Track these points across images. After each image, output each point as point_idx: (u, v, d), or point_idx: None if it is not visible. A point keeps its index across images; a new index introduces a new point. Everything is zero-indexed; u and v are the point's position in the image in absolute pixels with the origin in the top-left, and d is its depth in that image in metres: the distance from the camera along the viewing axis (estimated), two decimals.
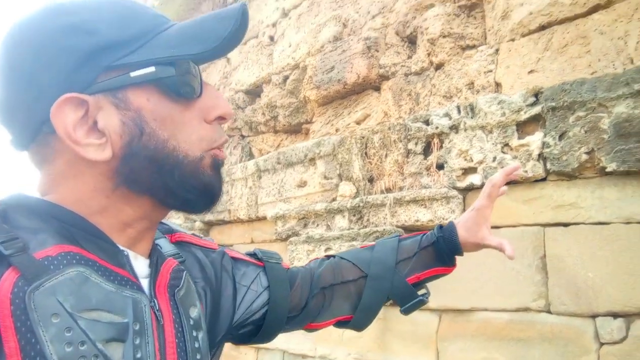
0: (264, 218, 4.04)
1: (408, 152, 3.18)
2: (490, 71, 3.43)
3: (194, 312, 0.78)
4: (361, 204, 3.19)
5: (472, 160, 2.85)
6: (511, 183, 2.72)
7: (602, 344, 2.32)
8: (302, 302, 1.08)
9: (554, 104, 2.63)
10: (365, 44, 4.06)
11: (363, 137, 3.41)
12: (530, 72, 3.25)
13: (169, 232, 0.93)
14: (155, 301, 0.71)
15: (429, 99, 3.70)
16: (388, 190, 3.16)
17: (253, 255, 1.08)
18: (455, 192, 2.85)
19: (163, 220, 0.90)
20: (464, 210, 2.86)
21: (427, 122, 3.12)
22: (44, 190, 0.72)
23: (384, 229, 2.91)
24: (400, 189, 3.12)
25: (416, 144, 3.14)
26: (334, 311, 1.13)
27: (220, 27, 0.70)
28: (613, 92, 2.43)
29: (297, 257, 3.24)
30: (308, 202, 3.61)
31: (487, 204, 1.14)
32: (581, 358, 2.37)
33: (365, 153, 3.41)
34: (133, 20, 0.70)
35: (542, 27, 3.25)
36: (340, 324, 1.16)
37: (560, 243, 2.52)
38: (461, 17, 3.74)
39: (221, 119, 0.75)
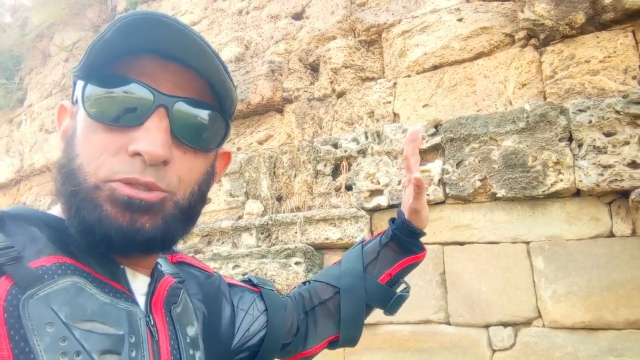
0: None
1: (317, 173, 3.30)
2: (389, 102, 3.71)
3: (191, 331, 0.77)
4: (270, 222, 3.22)
5: (378, 183, 3.05)
6: None
7: (494, 351, 2.60)
8: (293, 327, 1.08)
9: (452, 135, 2.93)
10: (270, 67, 4.15)
11: (272, 157, 3.47)
12: (425, 105, 3.59)
13: (170, 253, 0.91)
14: (151, 316, 0.70)
15: (331, 124, 3.88)
16: (297, 209, 3.23)
17: (248, 281, 1.08)
18: (363, 212, 3.02)
19: None
20: (371, 229, 3.04)
21: (335, 146, 3.28)
22: None
23: (295, 246, 2.98)
24: (310, 208, 3.22)
25: (325, 165, 3.28)
26: (321, 333, 1.10)
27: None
28: (502, 128, 2.79)
29: None
30: (212, 220, 3.55)
31: (410, 176, 1.07)
32: None
33: (274, 172, 3.46)
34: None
35: (435, 67, 3.62)
36: (331, 344, 1.11)
37: (457, 260, 2.80)
38: (361, 50, 4.01)
39: (139, 155, 0.63)
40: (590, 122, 2.54)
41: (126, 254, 0.66)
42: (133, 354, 0.62)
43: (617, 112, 2.49)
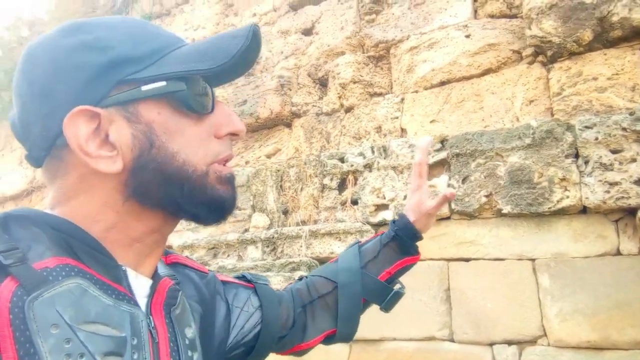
0: (170, 247, 3.90)
1: (323, 187, 3.32)
2: (397, 118, 3.73)
3: (190, 333, 0.78)
4: (275, 235, 3.23)
5: (384, 198, 3.05)
6: None
7: None
8: (289, 321, 1.10)
9: (457, 150, 2.93)
10: (279, 82, 4.19)
11: (279, 170, 3.49)
12: (432, 121, 3.60)
13: (164, 254, 0.92)
14: (151, 318, 0.71)
15: (339, 139, 3.90)
16: (303, 222, 3.24)
17: (242, 277, 1.10)
18: (368, 227, 3.02)
19: None
20: None
21: (342, 160, 3.29)
22: (53, 204, 0.71)
23: (300, 260, 2.98)
24: (315, 222, 3.23)
25: (331, 179, 3.29)
26: (319, 327, 1.14)
27: (231, 44, 0.71)
28: (508, 144, 2.78)
29: None
30: (218, 232, 3.57)
31: (421, 182, 1.18)
32: None
33: (281, 186, 3.48)
34: (146, 38, 0.71)
35: (443, 83, 3.64)
36: (328, 339, 1.16)
37: (462, 276, 2.78)
38: (370, 66, 4.04)
39: (233, 135, 0.76)
40: (597, 138, 2.53)
41: (220, 221, 0.78)
42: (135, 356, 0.63)
43: (624, 129, 2.48)
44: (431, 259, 2.88)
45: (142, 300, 0.71)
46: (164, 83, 0.68)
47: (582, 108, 2.94)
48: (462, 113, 3.49)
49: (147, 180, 0.68)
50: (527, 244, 2.66)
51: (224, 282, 1.02)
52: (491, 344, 2.61)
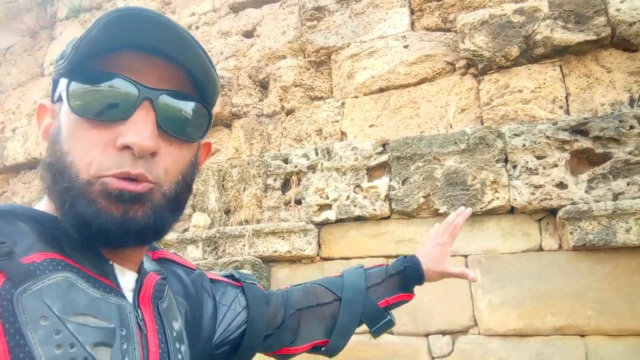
0: None
1: (267, 187, 3.36)
2: (337, 121, 3.84)
3: (177, 325, 0.80)
4: (217, 235, 3.23)
5: (327, 198, 3.15)
6: (361, 220, 3.08)
7: (433, 358, 2.72)
8: (277, 321, 1.11)
9: (398, 154, 3.09)
10: (219, 82, 4.18)
11: (220, 170, 3.49)
12: (371, 125, 3.75)
13: (151, 249, 0.93)
14: (139, 311, 0.73)
15: (280, 140, 3.95)
16: (246, 222, 3.27)
17: (230, 276, 1.11)
18: (312, 226, 3.10)
19: None
20: (319, 242, 3.11)
21: (286, 161, 3.35)
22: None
23: (244, 259, 3.00)
24: (258, 221, 3.26)
25: (275, 180, 3.34)
26: (310, 335, 1.15)
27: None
28: (445, 149, 2.97)
29: None
30: None
31: (450, 242, 1.29)
32: None
33: (223, 186, 3.48)
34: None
35: (382, 90, 3.80)
36: (315, 349, 1.16)
37: None
38: (311, 70, 4.14)
39: (128, 148, 0.65)
40: (524, 145, 2.77)
41: (122, 245, 0.68)
42: (124, 347, 0.65)
43: (548, 137, 2.73)
44: (372, 257, 3.01)
45: (128, 294, 0.72)
46: (65, 80, 0.67)
47: (508, 117, 3.20)
48: (400, 119, 3.66)
49: (44, 175, 0.69)
50: (460, 242, 2.85)
51: (212, 280, 1.04)
52: (427, 335, 2.77)
